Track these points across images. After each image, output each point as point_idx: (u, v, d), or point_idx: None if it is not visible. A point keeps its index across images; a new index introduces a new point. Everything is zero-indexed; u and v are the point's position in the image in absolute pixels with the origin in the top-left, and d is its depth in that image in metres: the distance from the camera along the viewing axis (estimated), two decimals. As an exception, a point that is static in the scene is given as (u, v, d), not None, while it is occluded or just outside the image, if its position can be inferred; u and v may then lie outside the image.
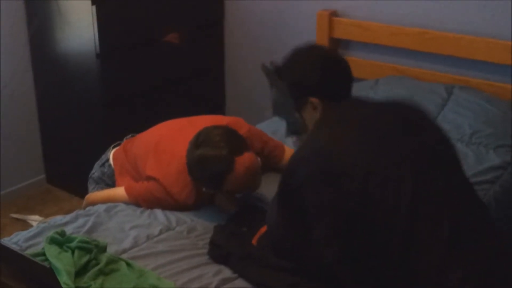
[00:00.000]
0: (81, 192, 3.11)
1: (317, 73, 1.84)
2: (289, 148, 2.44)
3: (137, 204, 2.33)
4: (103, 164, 2.60)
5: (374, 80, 3.17)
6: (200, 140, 2.17)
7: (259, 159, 2.23)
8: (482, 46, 2.97)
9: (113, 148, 2.62)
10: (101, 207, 2.28)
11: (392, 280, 1.64)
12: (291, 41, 3.54)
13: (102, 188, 2.54)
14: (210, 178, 2.16)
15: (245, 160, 2.14)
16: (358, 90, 3.10)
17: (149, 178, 2.33)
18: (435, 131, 1.83)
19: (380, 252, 1.64)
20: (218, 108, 3.87)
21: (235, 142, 2.18)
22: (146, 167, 2.36)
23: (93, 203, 2.41)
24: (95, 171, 2.62)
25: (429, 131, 1.81)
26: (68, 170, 3.63)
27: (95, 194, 2.49)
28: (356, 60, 3.34)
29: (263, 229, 1.99)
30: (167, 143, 2.36)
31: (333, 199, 1.65)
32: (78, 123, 3.46)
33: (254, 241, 1.94)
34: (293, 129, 1.94)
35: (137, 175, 2.44)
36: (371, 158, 1.67)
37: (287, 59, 1.91)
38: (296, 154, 1.80)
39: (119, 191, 2.41)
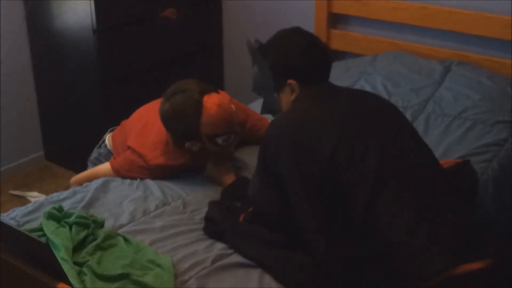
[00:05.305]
0: (80, 168, 3.10)
1: (298, 56, 1.93)
2: None
3: (121, 177, 2.34)
4: (99, 146, 2.64)
5: (373, 55, 3.16)
6: (170, 93, 2.19)
7: (233, 106, 2.23)
8: (482, 21, 2.95)
9: (110, 131, 2.64)
10: (97, 182, 2.28)
11: (361, 246, 1.69)
12: (290, 17, 3.55)
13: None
14: (185, 124, 2.15)
15: (214, 97, 2.16)
16: (357, 66, 3.12)
17: (128, 149, 2.35)
18: (398, 113, 1.96)
19: (348, 219, 1.71)
20: (216, 85, 3.84)
21: (203, 86, 2.19)
22: (128, 140, 2.38)
23: (78, 183, 2.42)
24: (93, 154, 2.65)
25: (393, 113, 1.94)
26: (67, 147, 3.63)
27: (79, 174, 2.50)
28: (355, 35, 3.33)
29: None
30: (150, 116, 2.37)
31: (303, 166, 1.74)
32: (76, 99, 3.45)
33: (240, 219, 1.96)
34: (269, 108, 2.03)
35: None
36: (340, 130, 1.77)
37: (271, 39, 2.00)
38: (272, 124, 1.89)
39: (103, 166, 2.42)
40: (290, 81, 1.92)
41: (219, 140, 2.19)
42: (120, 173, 2.35)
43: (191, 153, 2.26)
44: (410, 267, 1.63)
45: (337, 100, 1.90)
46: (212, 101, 2.14)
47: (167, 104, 2.18)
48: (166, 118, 2.19)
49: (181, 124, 2.16)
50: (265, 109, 2.06)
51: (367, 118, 1.84)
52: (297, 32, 2.00)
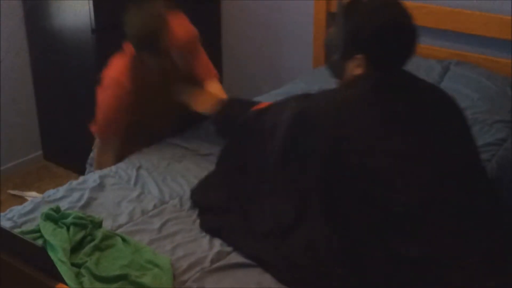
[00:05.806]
0: (78, 168, 3.11)
1: (373, 33, 1.75)
2: (220, 86, 2.59)
3: (106, 136, 2.46)
4: (94, 147, 2.64)
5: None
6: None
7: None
8: (481, 20, 2.94)
9: None
10: (95, 181, 2.28)
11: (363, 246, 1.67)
12: (288, 15, 3.54)
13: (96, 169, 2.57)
14: (149, 32, 2.25)
15: (179, 18, 2.32)
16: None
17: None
18: (452, 120, 1.86)
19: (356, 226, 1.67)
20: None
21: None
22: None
23: None
24: (90, 156, 2.67)
25: (447, 121, 1.84)
26: (65, 146, 3.63)
27: None
28: (354, 35, 3.32)
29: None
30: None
31: (324, 163, 1.70)
32: (75, 99, 3.45)
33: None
34: (333, 71, 1.90)
35: None
36: (376, 139, 1.68)
37: (359, 3, 1.81)
38: (314, 101, 1.81)
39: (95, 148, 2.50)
40: (358, 55, 1.77)
41: (177, 57, 2.35)
42: (100, 126, 2.46)
43: (152, 73, 2.37)
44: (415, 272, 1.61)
45: (391, 98, 1.75)
46: (178, 22, 2.31)
47: (133, 10, 2.28)
48: (130, 26, 2.29)
49: (144, 30, 2.26)
50: (330, 70, 1.91)
51: (415, 128, 1.72)
52: (386, 6, 1.78)
